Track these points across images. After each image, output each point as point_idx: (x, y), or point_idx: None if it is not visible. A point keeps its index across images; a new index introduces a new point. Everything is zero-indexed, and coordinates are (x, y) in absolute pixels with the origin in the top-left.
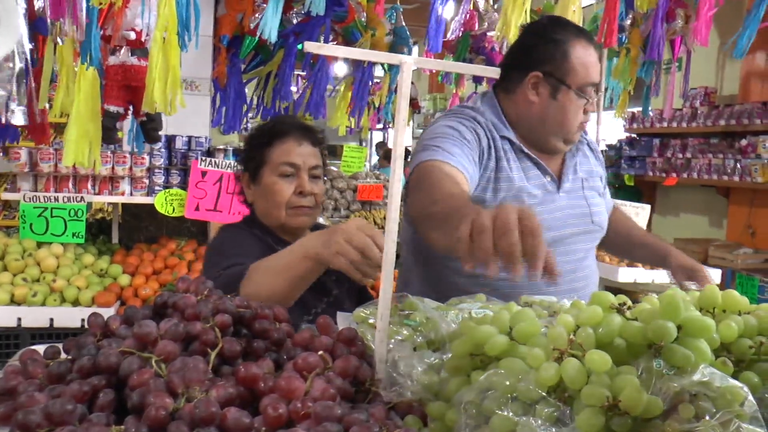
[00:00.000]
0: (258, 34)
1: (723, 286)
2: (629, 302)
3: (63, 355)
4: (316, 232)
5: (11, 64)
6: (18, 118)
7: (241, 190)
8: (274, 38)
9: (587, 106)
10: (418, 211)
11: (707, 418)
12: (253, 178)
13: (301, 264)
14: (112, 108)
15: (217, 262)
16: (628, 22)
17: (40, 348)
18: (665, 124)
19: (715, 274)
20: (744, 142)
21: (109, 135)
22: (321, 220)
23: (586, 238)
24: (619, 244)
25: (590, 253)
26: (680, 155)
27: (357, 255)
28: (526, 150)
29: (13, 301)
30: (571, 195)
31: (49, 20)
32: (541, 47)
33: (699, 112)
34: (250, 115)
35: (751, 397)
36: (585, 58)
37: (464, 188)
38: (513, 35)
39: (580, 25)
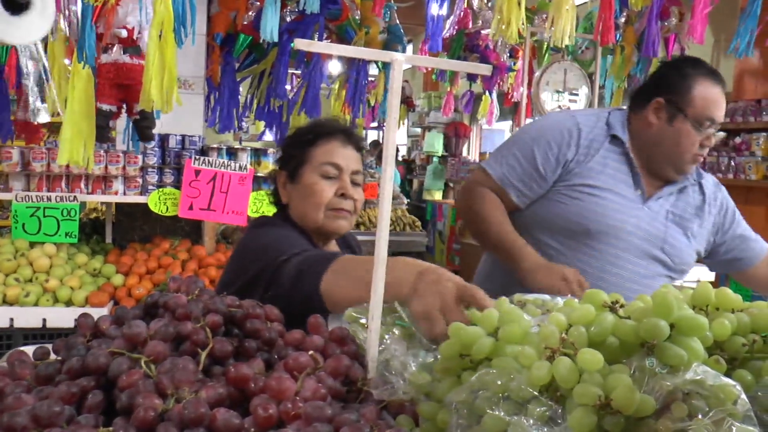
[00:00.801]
0: (260, 37)
1: (716, 283)
2: (622, 300)
3: (53, 356)
4: (415, 268)
5: (36, 64)
6: (43, 116)
7: (275, 190)
8: (275, 38)
9: (704, 140)
10: (470, 222)
11: (700, 416)
12: (291, 178)
13: (390, 290)
14: (105, 106)
15: (280, 250)
16: (623, 20)
17: (30, 349)
18: None
19: (708, 272)
20: (738, 139)
21: (101, 133)
22: None
23: (653, 259)
24: None
25: (658, 276)
26: None
27: (442, 328)
28: (631, 155)
29: (6, 302)
30: (652, 215)
31: None
32: (671, 77)
33: None
34: (252, 115)
35: (744, 396)
36: (707, 93)
37: (502, 213)
38: (513, 35)
39: (574, 22)
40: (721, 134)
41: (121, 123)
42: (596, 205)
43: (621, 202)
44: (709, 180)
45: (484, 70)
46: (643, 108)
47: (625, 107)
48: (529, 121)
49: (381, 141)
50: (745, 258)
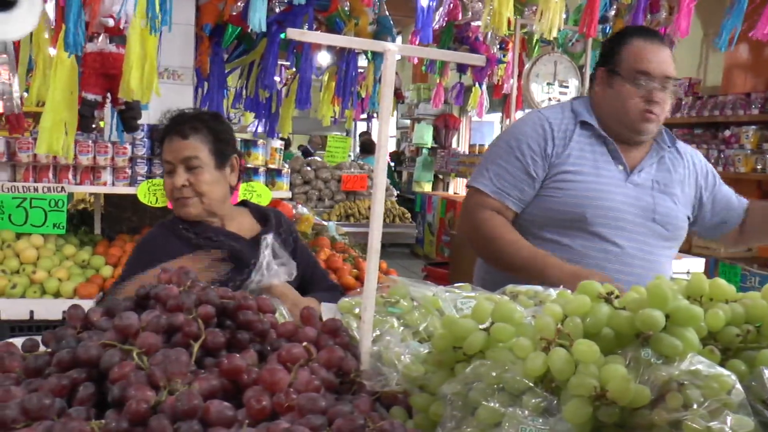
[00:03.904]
0: (249, 27)
1: (706, 274)
2: (617, 291)
3: (42, 348)
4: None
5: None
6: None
7: None
8: (263, 28)
9: (649, 95)
10: (482, 247)
11: (695, 406)
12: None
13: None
14: (90, 96)
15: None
16: (612, 12)
17: (19, 341)
18: None
19: (698, 263)
20: (727, 132)
21: (86, 123)
22: (305, 211)
23: (648, 232)
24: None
25: (652, 249)
26: None
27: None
28: (603, 134)
29: None
30: (638, 189)
31: None
32: (608, 46)
33: (683, 102)
34: (240, 105)
35: (738, 386)
36: (636, 48)
37: (511, 231)
38: (503, 27)
39: (562, 14)
40: (675, 89)
41: (109, 113)
42: (585, 190)
43: (606, 181)
44: (685, 146)
45: (477, 60)
46: (595, 83)
47: (585, 96)
48: (519, 113)
49: (369, 132)
50: (731, 218)
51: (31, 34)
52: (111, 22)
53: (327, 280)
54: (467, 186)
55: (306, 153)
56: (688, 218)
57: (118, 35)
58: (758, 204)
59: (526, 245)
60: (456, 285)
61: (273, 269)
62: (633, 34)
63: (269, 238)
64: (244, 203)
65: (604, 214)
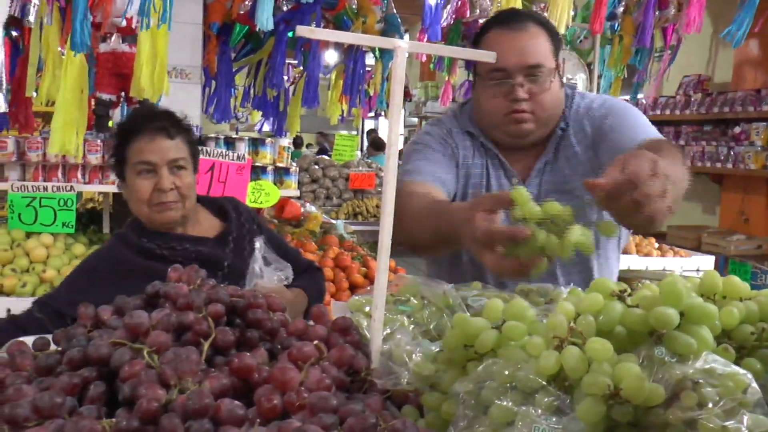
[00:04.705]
0: (256, 26)
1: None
2: (630, 289)
3: (53, 347)
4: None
5: None
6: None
7: None
8: (270, 27)
9: (510, 92)
10: (409, 242)
11: (710, 405)
12: (121, 178)
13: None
14: (105, 96)
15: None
16: (621, 9)
17: (30, 339)
18: (658, 112)
19: (708, 261)
20: (737, 129)
21: (101, 122)
22: (313, 209)
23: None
24: None
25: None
26: (673, 142)
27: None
28: (488, 146)
29: (2, 292)
30: (539, 199)
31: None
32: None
33: (692, 99)
34: (248, 104)
35: (754, 384)
36: (492, 41)
37: (431, 197)
38: None
39: (571, 11)
40: (534, 77)
41: (119, 113)
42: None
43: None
44: (581, 113)
45: (488, 57)
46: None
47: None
48: None
49: (376, 130)
50: None
51: (41, 33)
52: (123, 22)
53: (301, 261)
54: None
55: (322, 151)
56: None
57: (130, 35)
58: None
59: (446, 202)
60: (466, 282)
61: (267, 274)
62: (490, 25)
63: (260, 242)
64: (198, 200)
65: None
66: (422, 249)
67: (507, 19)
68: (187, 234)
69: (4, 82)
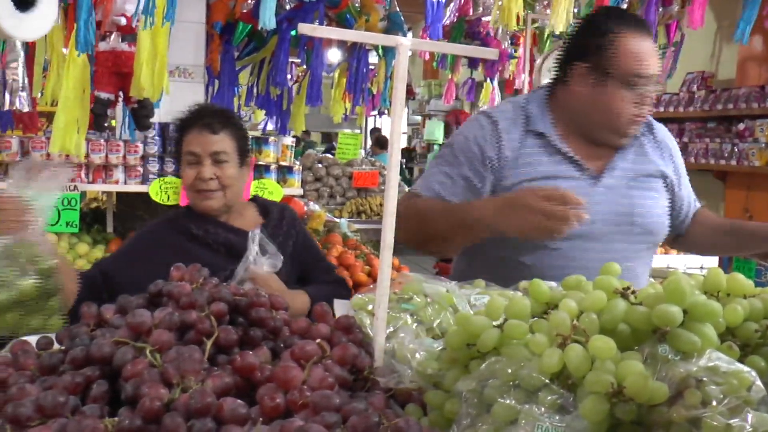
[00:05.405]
0: (259, 25)
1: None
2: (633, 286)
3: (56, 346)
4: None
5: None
6: (24, 103)
7: None
8: (273, 25)
9: (640, 98)
10: (417, 236)
11: (714, 404)
12: (178, 166)
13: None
14: (103, 95)
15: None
16: (624, 6)
17: (33, 339)
18: (662, 109)
19: (712, 259)
20: (741, 126)
21: (99, 122)
22: (316, 208)
23: (625, 238)
24: (720, 240)
25: (632, 255)
26: (677, 139)
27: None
28: (558, 147)
29: None
30: (612, 192)
31: None
32: (589, 38)
33: (696, 96)
34: (252, 103)
35: (759, 382)
36: (631, 48)
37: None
38: (513, 22)
39: (572, 8)
40: (660, 87)
41: (121, 112)
42: None
43: (569, 188)
44: (661, 129)
45: (490, 54)
46: (568, 77)
47: (543, 88)
48: None
49: (379, 128)
50: (689, 219)
51: (46, 34)
52: (123, 21)
53: (331, 274)
54: (408, 191)
55: (330, 149)
56: (670, 210)
57: (130, 34)
58: (707, 215)
59: (452, 204)
60: (469, 281)
61: (259, 261)
62: (620, 26)
63: (256, 231)
64: (254, 199)
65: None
66: (422, 246)
67: (637, 23)
68: (227, 223)
69: (25, 82)
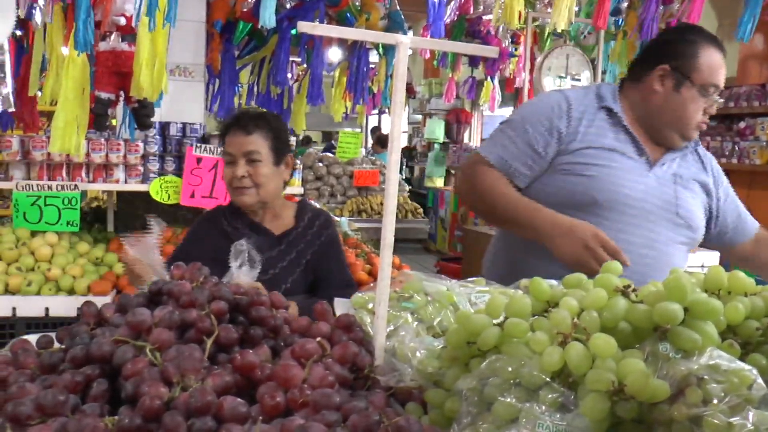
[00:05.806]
0: (260, 24)
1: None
2: (634, 285)
3: (56, 345)
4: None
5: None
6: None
7: None
8: (273, 24)
9: (708, 107)
10: (475, 202)
11: (715, 402)
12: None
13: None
14: (104, 95)
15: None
16: (625, 4)
17: (34, 337)
18: None
19: (713, 257)
20: (742, 124)
21: (100, 122)
22: (317, 205)
23: (668, 226)
24: None
25: (673, 244)
26: None
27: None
28: (626, 124)
29: (8, 291)
30: (660, 180)
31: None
32: (675, 44)
33: None
34: (252, 102)
35: (760, 380)
36: (712, 60)
37: (506, 185)
38: (514, 20)
39: (573, 6)
40: (720, 100)
41: (121, 111)
42: (601, 173)
43: (627, 168)
44: (704, 150)
45: (491, 52)
46: (645, 76)
47: (610, 83)
48: None
49: (379, 126)
50: (734, 233)
51: (45, 33)
52: (123, 21)
53: (344, 280)
54: (473, 152)
55: (330, 149)
56: (707, 215)
57: (130, 34)
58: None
59: (518, 197)
60: (470, 279)
61: (240, 275)
62: (707, 42)
63: (243, 244)
64: (301, 202)
65: (621, 200)
66: (476, 212)
67: (719, 43)
68: (257, 222)
69: (10, 82)
